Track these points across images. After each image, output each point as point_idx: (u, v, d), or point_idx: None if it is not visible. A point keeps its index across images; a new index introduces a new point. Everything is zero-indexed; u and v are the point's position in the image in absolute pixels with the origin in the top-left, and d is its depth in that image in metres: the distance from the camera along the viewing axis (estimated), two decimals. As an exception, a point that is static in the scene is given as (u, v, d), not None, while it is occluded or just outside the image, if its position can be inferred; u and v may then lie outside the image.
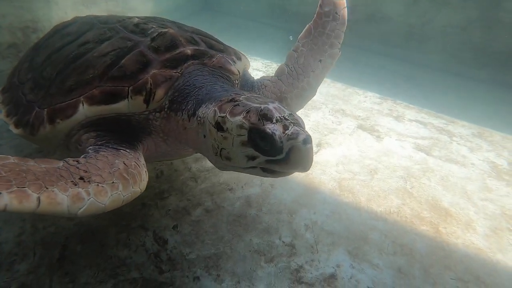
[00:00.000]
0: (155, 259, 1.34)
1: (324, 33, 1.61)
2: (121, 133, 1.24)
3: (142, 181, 1.09)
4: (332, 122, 2.41)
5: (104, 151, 1.11)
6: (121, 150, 1.14)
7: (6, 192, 0.80)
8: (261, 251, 1.41)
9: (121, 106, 1.20)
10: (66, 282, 1.23)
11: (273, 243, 1.45)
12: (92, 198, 0.92)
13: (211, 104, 1.14)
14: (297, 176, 1.80)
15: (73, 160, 1.03)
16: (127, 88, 1.20)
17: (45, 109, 1.26)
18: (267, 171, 1.04)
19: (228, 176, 1.77)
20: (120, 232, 1.43)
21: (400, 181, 1.90)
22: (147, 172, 1.16)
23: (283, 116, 1.00)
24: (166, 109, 1.28)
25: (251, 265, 1.35)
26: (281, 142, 0.95)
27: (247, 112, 1.00)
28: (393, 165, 2.02)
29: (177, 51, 1.31)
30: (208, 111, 1.13)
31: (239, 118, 1.00)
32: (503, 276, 1.42)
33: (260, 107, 1.01)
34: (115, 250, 1.35)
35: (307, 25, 1.64)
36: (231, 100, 1.08)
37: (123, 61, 1.26)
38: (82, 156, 1.09)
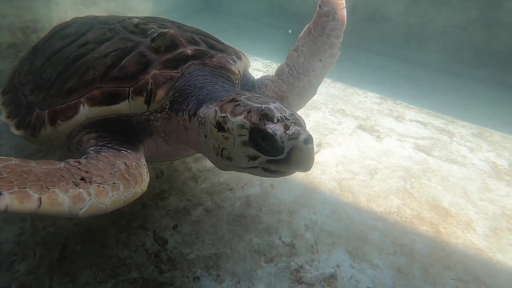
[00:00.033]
0: (155, 259, 1.34)
1: (323, 33, 1.62)
2: (122, 133, 1.24)
3: (143, 181, 1.09)
4: (332, 122, 2.41)
5: (105, 152, 1.11)
6: (122, 151, 1.14)
7: (8, 192, 0.80)
8: (261, 251, 1.41)
9: (122, 107, 1.20)
10: (66, 282, 1.23)
11: (273, 243, 1.45)
12: (93, 199, 0.92)
13: (212, 104, 1.14)
14: (297, 176, 1.80)
15: (74, 161, 1.03)
16: (127, 89, 1.20)
17: (46, 111, 1.26)
18: (268, 171, 1.04)
19: (228, 176, 1.77)
20: (120, 232, 1.43)
21: (400, 181, 1.90)
22: (148, 172, 1.16)
23: (284, 116, 1.00)
24: (167, 110, 1.28)
25: (251, 265, 1.35)
26: (282, 142, 0.95)
27: (248, 112, 1.00)
28: (393, 165, 2.02)
29: (178, 52, 1.31)
30: (209, 111, 1.13)
31: (240, 118, 1.00)
32: (503, 276, 1.42)
33: (261, 107, 1.01)
34: (115, 250, 1.35)
35: (307, 25, 1.65)
36: (232, 100, 1.08)
37: (123, 61, 1.26)
38: (83, 157, 1.09)
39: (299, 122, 1.02)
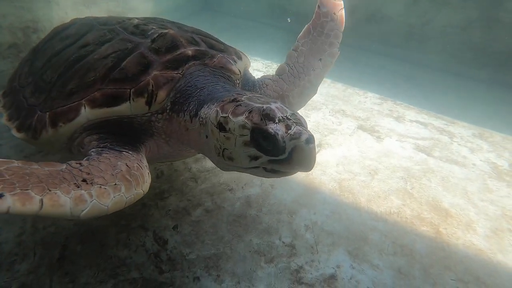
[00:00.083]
0: (155, 259, 1.34)
1: (323, 33, 1.63)
2: (123, 135, 1.24)
3: (144, 183, 1.09)
4: (332, 123, 2.41)
5: (107, 153, 1.11)
6: (124, 152, 1.14)
7: (9, 194, 0.81)
8: (261, 251, 1.41)
9: (123, 108, 1.20)
10: (66, 282, 1.23)
11: (273, 243, 1.45)
12: (94, 200, 0.93)
13: (213, 104, 1.14)
14: (297, 176, 1.80)
15: (76, 163, 1.03)
16: (128, 90, 1.20)
17: (47, 113, 1.26)
18: (269, 171, 1.04)
19: (228, 176, 1.77)
20: (120, 232, 1.43)
21: (400, 181, 1.89)
22: (149, 173, 1.16)
23: (286, 116, 1.00)
24: (168, 111, 1.27)
25: (251, 265, 1.35)
26: (284, 142, 0.95)
27: (250, 112, 1.00)
28: (393, 165, 2.02)
29: (178, 52, 1.31)
30: (210, 112, 1.13)
31: (241, 118, 1.00)
32: (503, 277, 1.42)
33: (263, 107, 1.01)
34: (115, 250, 1.35)
35: (306, 25, 1.66)
36: (233, 100, 1.08)
37: (124, 63, 1.26)
38: (84, 158, 1.09)
39: (300, 122, 1.02)
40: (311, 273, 1.34)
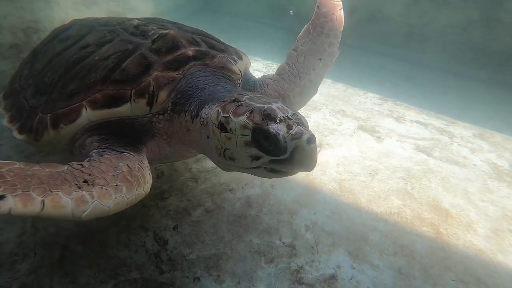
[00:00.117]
0: (155, 260, 1.34)
1: (322, 33, 1.64)
2: (125, 136, 1.24)
3: (146, 183, 1.09)
4: (333, 123, 2.41)
5: (108, 154, 1.11)
6: (125, 153, 1.15)
7: (11, 195, 0.81)
8: (261, 251, 1.41)
9: (124, 109, 1.20)
10: (66, 283, 1.23)
11: (273, 243, 1.45)
12: (96, 201, 0.93)
13: (214, 105, 1.14)
14: (297, 176, 1.80)
15: (77, 164, 1.04)
16: (129, 91, 1.20)
17: (48, 114, 1.26)
18: (271, 171, 1.04)
19: (229, 176, 1.77)
20: (120, 232, 1.43)
21: (400, 182, 1.89)
22: (151, 174, 1.16)
23: (287, 116, 1.00)
24: (169, 111, 1.28)
25: (252, 265, 1.35)
26: (285, 141, 0.95)
27: (251, 112, 1.01)
28: (393, 166, 2.02)
29: (179, 53, 1.31)
30: (211, 112, 1.13)
31: (242, 118, 1.00)
32: (504, 277, 1.42)
33: (264, 107, 1.01)
34: (116, 251, 1.35)
35: (306, 26, 1.67)
36: (234, 101, 1.09)
37: (124, 64, 1.26)
38: (86, 159, 1.09)
39: (301, 122, 1.02)
40: (311, 274, 1.34)
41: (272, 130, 0.96)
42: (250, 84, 1.63)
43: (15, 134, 1.36)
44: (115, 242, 1.39)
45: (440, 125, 2.54)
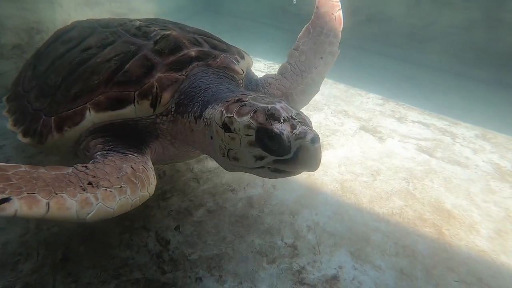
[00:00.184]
0: (157, 260, 1.34)
1: (322, 32, 1.66)
2: (129, 137, 1.24)
3: (150, 184, 1.09)
4: (334, 123, 2.41)
5: (112, 156, 1.12)
6: (129, 155, 1.15)
7: (17, 198, 0.82)
8: (263, 252, 1.41)
9: (128, 111, 1.20)
10: (69, 282, 1.23)
11: (275, 244, 1.45)
12: (100, 203, 0.93)
13: (218, 105, 1.14)
14: (299, 177, 1.79)
15: (82, 166, 1.04)
16: (133, 93, 1.20)
17: (52, 117, 1.27)
18: (275, 171, 1.04)
19: (230, 177, 1.77)
20: (122, 232, 1.43)
21: (402, 182, 1.89)
22: (155, 175, 1.16)
23: (291, 116, 1.01)
24: (172, 112, 1.28)
25: (253, 266, 1.35)
26: (289, 141, 0.95)
27: (254, 112, 1.01)
28: (395, 166, 2.01)
29: (181, 54, 1.31)
30: (214, 112, 1.13)
31: (246, 118, 1.00)
32: (507, 279, 1.41)
33: (267, 106, 1.02)
34: (118, 251, 1.36)
35: (305, 26, 1.70)
36: (237, 101, 1.09)
37: (127, 65, 1.26)
38: (90, 162, 1.10)
39: (305, 122, 1.02)
40: (313, 274, 1.34)
41: (276, 129, 0.96)
42: (252, 83, 1.64)
43: (20, 137, 1.36)
44: (117, 242, 1.39)
45: (442, 125, 2.53)
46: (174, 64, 1.28)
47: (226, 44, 1.57)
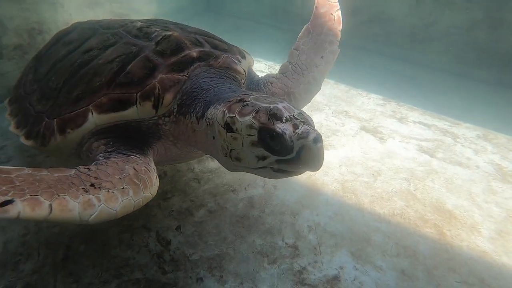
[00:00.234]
0: (158, 260, 1.34)
1: (322, 32, 1.68)
2: (131, 139, 1.24)
3: (152, 186, 1.09)
4: (335, 124, 2.41)
5: (114, 157, 1.12)
6: (131, 156, 1.15)
7: (20, 200, 0.82)
8: (264, 252, 1.41)
9: (130, 112, 1.21)
10: (70, 282, 1.23)
11: (276, 244, 1.45)
12: (103, 204, 0.93)
13: (220, 105, 1.14)
14: (300, 177, 1.79)
15: (84, 168, 1.05)
16: (135, 94, 1.20)
17: (55, 120, 1.27)
18: (277, 171, 1.03)
19: (231, 177, 1.77)
20: (123, 232, 1.43)
21: (403, 183, 1.89)
22: (157, 176, 1.16)
23: (293, 115, 1.00)
24: (175, 113, 1.28)
25: (254, 266, 1.35)
26: (292, 141, 0.95)
27: (257, 112, 1.01)
28: (396, 167, 2.01)
29: (183, 54, 1.31)
30: (217, 112, 1.13)
31: (248, 118, 1.00)
32: (508, 279, 1.41)
33: (270, 106, 1.01)
34: (119, 251, 1.36)
35: (305, 26, 1.71)
36: (239, 101, 1.09)
37: (129, 67, 1.26)
38: (93, 163, 1.10)
39: (307, 121, 1.02)
40: (314, 274, 1.34)
41: (278, 129, 0.95)
42: (254, 83, 1.64)
43: (22, 140, 1.37)
44: (118, 242, 1.39)
45: (443, 126, 2.52)
46: (175, 65, 1.28)
47: (227, 44, 1.58)
